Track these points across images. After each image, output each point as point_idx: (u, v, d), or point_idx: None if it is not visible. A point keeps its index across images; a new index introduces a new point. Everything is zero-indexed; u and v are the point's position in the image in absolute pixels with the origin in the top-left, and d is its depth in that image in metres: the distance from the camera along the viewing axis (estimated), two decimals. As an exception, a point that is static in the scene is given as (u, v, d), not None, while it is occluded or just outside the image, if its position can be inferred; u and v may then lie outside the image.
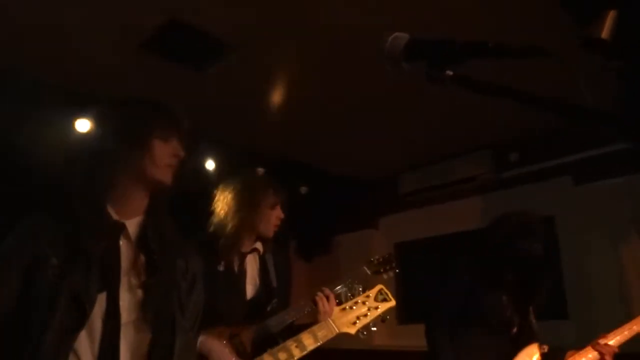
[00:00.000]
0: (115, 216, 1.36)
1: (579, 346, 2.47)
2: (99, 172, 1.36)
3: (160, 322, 1.32)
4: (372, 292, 1.88)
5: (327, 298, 2.17)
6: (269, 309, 2.27)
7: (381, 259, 2.54)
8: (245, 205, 2.30)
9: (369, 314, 1.83)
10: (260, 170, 4.04)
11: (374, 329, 1.84)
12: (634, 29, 2.08)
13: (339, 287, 2.32)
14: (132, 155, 1.36)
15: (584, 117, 0.69)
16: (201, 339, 1.97)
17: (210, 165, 4.21)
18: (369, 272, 2.52)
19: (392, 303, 1.88)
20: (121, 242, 1.35)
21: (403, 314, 4.64)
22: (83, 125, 3.40)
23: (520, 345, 2.42)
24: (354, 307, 1.85)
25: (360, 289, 1.88)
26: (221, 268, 2.23)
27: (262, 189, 2.36)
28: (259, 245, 2.39)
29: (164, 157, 1.39)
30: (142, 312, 1.30)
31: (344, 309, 1.84)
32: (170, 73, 3.24)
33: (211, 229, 2.32)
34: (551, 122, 3.74)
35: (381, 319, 1.87)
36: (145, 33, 2.86)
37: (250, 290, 2.32)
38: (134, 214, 1.41)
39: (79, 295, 1.22)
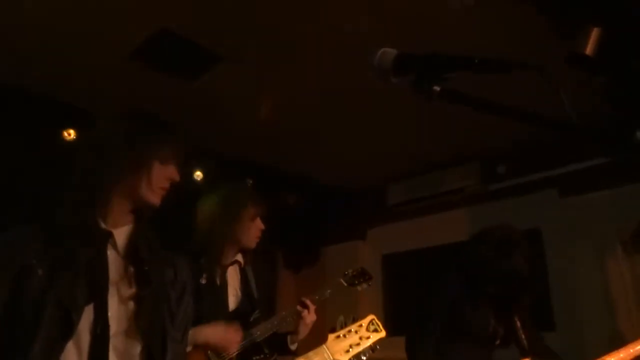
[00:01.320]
0: (102, 225, 1.35)
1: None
2: (91, 183, 1.34)
3: (151, 333, 1.30)
4: (365, 322, 1.95)
5: (309, 309, 2.41)
6: (251, 319, 2.31)
7: (355, 272, 2.68)
8: (226, 217, 2.30)
9: (360, 342, 1.89)
10: (249, 181, 4.05)
11: (364, 358, 1.90)
12: (617, 45, 2.12)
13: (317, 296, 2.53)
14: (129, 174, 1.35)
15: (567, 131, 0.70)
16: (190, 332, 1.96)
17: (198, 175, 4.19)
18: (345, 284, 2.67)
19: (383, 334, 1.94)
20: (109, 252, 1.33)
21: (390, 325, 4.63)
22: (70, 134, 3.37)
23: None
24: (347, 336, 1.90)
25: (354, 317, 1.96)
26: (203, 281, 2.23)
27: (243, 201, 2.37)
28: (239, 257, 2.41)
29: (159, 180, 1.38)
30: (133, 323, 1.28)
31: (338, 336, 1.89)
32: (160, 82, 3.24)
33: (194, 241, 2.32)
34: (538, 135, 3.79)
35: (371, 349, 1.93)
36: (135, 42, 2.86)
37: (232, 302, 2.34)
38: (122, 224, 1.39)
39: (65, 305, 1.20)
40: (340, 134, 4.09)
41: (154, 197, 1.38)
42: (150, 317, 1.31)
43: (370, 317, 1.97)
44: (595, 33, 1.93)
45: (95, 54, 2.95)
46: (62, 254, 1.25)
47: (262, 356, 2.32)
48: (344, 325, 1.94)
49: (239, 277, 2.42)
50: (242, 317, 2.29)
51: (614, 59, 2.12)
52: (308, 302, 2.43)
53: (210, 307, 2.19)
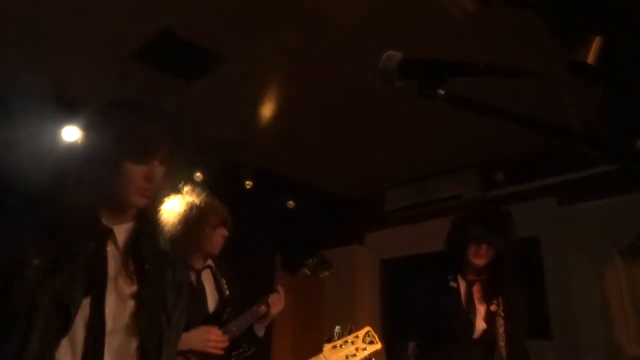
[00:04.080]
0: (103, 221, 1.31)
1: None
2: (88, 181, 1.28)
3: (148, 333, 1.27)
4: (361, 333, 1.95)
5: (278, 300, 2.57)
6: (225, 317, 2.41)
7: (317, 261, 2.88)
8: (188, 227, 2.35)
9: (357, 354, 1.89)
10: (199, 176, 4.08)
11: None
12: (617, 54, 2.13)
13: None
14: (103, 175, 1.27)
15: (568, 139, 0.70)
16: None
17: (198, 177, 4.20)
18: (308, 272, 2.87)
19: (379, 346, 1.94)
20: (108, 248, 1.29)
21: (387, 331, 4.63)
22: (71, 133, 3.38)
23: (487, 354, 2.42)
24: (344, 346, 1.90)
25: (351, 327, 1.96)
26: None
27: (204, 211, 2.42)
28: (210, 262, 2.51)
29: (134, 180, 1.28)
30: (131, 321, 1.25)
31: (335, 346, 1.89)
32: (160, 84, 3.24)
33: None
34: (537, 143, 3.80)
35: None
36: (136, 43, 2.86)
37: (211, 305, 2.43)
38: (123, 221, 1.35)
39: (62, 298, 1.15)
40: (339, 139, 4.10)
41: (136, 199, 1.30)
42: (149, 317, 1.28)
43: (367, 328, 1.96)
44: (597, 42, 1.94)
45: (96, 54, 2.95)
46: (61, 247, 1.20)
47: (240, 351, 2.45)
48: (341, 335, 1.94)
49: (213, 279, 2.51)
50: (219, 318, 2.38)
51: (614, 68, 2.13)
52: (277, 295, 2.58)
53: (191, 311, 2.23)
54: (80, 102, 3.25)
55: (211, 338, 2.24)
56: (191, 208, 2.40)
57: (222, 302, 2.47)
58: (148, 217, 1.38)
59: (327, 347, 1.89)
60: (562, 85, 0.75)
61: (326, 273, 2.90)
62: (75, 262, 1.19)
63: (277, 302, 2.55)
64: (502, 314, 2.42)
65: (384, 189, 5.06)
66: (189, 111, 3.50)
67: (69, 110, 3.31)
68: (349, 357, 1.87)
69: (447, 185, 4.60)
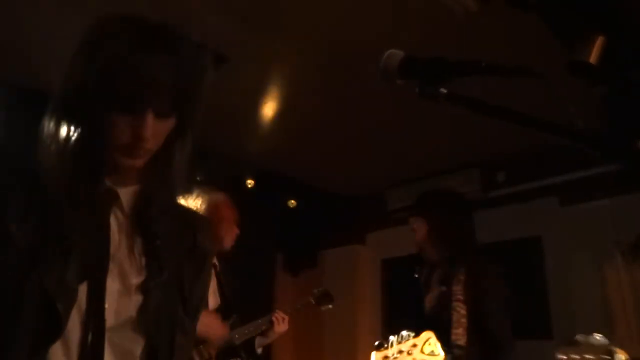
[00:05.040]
0: (107, 182, 0.99)
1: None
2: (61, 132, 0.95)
3: (158, 330, 1.01)
4: (420, 341, 1.59)
5: (283, 320, 2.61)
6: (230, 322, 2.46)
7: (321, 294, 3.02)
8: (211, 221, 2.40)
9: None
10: (250, 182, 4.11)
11: None
12: (618, 54, 2.13)
13: (289, 310, 2.76)
14: (80, 127, 0.93)
15: (569, 138, 0.70)
16: None
17: (199, 176, 4.19)
18: (313, 302, 2.96)
19: (441, 358, 1.58)
20: (111, 220, 0.99)
21: (388, 331, 4.63)
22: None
23: None
24: (398, 357, 1.57)
25: (412, 335, 1.63)
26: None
27: (224, 207, 2.49)
28: (215, 261, 2.52)
29: (118, 136, 0.92)
30: (136, 316, 0.98)
31: (386, 357, 1.58)
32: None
33: None
34: (538, 143, 3.80)
35: None
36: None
37: (211, 302, 2.44)
38: (128, 182, 1.03)
39: (50, 293, 0.88)
40: (341, 138, 4.10)
41: (122, 159, 0.95)
42: (158, 311, 1.01)
43: (428, 335, 1.60)
44: (599, 41, 1.93)
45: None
46: (52, 219, 0.92)
47: (238, 359, 2.47)
48: (400, 341, 1.60)
49: (216, 279, 2.52)
50: (222, 319, 2.42)
51: (614, 68, 2.13)
52: (282, 314, 2.63)
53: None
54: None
55: (220, 329, 2.31)
56: (211, 204, 2.45)
57: (227, 306, 2.50)
58: (157, 174, 1.03)
59: (377, 357, 1.58)
60: (562, 85, 0.75)
61: (329, 307, 3.02)
62: (69, 241, 0.91)
63: (281, 322, 2.62)
64: (461, 298, 2.23)
65: (385, 189, 5.06)
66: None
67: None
68: None
69: (448, 185, 4.59)
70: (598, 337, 1.37)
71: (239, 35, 2.81)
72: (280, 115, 3.71)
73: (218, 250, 2.47)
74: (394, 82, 0.79)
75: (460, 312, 2.18)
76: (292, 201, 5.06)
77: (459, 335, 2.12)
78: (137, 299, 0.99)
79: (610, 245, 3.71)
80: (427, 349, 1.58)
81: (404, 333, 1.60)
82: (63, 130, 0.93)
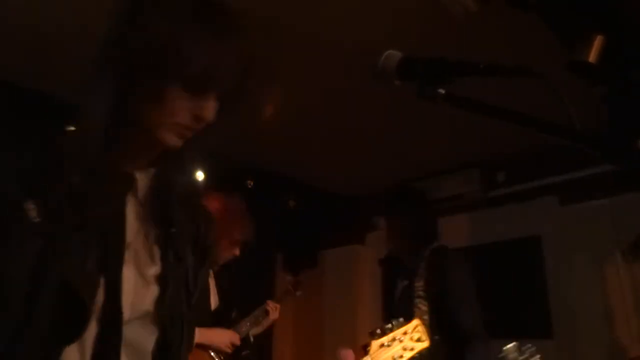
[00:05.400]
0: (122, 166, 0.93)
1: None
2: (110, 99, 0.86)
3: (172, 323, 0.95)
4: (410, 328, 1.66)
5: (275, 308, 2.78)
6: (233, 316, 2.59)
7: (295, 280, 3.28)
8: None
9: (404, 354, 1.61)
10: (250, 183, 4.13)
11: None
12: (618, 54, 2.13)
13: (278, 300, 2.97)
14: (137, 97, 0.86)
15: (569, 138, 0.70)
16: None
17: (199, 176, 4.19)
18: (291, 288, 3.23)
19: (426, 344, 1.66)
20: (127, 206, 0.93)
21: (388, 330, 4.63)
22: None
23: None
24: (391, 344, 1.63)
25: (401, 320, 1.69)
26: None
27: (233, 223, 2.49)
28: None
29: (179, 114, 0.87)
30: (152, 308, 0.91)
31: (382, 345, 1.62)
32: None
33: None
34: (538, 142, 3.79)
35: None
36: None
37: (213, 302, 2.48)
38: (145, 164, 0.96)
39: (73, 282, 0.79)
40: (341, 138, 4.09)
41: (169, 136, 0.89)
42: (173, 303, 0.95)
43: (415, 322, 1.67)
44: (598, 41, 1.93)
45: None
46: (67, 200, 0.81)
47: (250, 351, 2.61)
48: (393, 328, 1.65)
49: (214, 279, 2.55)
50: (223, 317, 2.49)
51: (615, 68, 2.13)
52: (273, 304, 2.81)
53: (198, 306, 2.29)
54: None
55: (233, 342, 2.40)
56: (225, 212, 2.42)
57: (228, 301, 2.56)
58: (179, 158, 0.97)
59: (374, 345, 1.62)
60: (562, 84, 0.75)
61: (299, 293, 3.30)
62: (85, 227, 0.83)
63: (274, 310, 2.77)
64: (422, 294, 2.23)
65: (385, 189, 5.06)
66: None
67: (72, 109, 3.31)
68: (396, 359, 1.60)
69: (448, 185, 4.60)
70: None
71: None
72: (280, 115, 3.70)
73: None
74: (391, 83, 0.78)
75: (421, 308, 2.17)
76: (292, 201, 5.06)
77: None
78: (153, 290, 0.92)
79: (610, 244, 3.71)
80: (415, 336, 1.65)
81: (396, 321, 1.65)
82: (110, 89, 0.85)
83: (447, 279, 2.21)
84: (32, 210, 0.79)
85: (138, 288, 0.90)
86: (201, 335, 2.16)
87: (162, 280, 0.93)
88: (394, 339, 1.62)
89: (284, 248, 5.57)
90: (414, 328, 1.65)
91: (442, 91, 0.73)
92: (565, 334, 3.78)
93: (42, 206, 0.79)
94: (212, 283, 2.52)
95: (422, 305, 2.16)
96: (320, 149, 4.32)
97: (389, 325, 1.63)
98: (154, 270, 0.93)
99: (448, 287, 2.19)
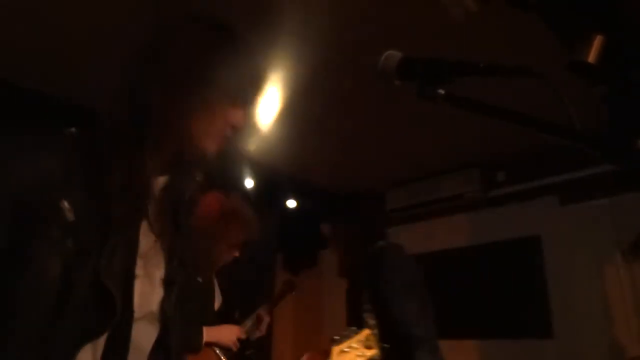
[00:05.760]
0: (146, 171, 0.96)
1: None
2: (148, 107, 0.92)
3: (175, 322, 1.00)
4: (362, 336, 1.78)
5: (267, 316, 2.75)
6: (236, 316, 2.61)
7: (290, 281, 3.24)
8: (210, 230, 2.40)
9: None
10: (250, 183, 4.14)
11: None
12: (618, 54, 2.12)
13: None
14: (186, 108, 0.94)
15: (569, 138, 0.70)
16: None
17: (198, 177, 4.20)
18: (287, 290, 3.13)
19: (374, 351, 1.77)
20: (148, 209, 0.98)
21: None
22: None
23: None
24: (348, 350, 1.74)
25: (354, 328, 1.81)
26: (200, 279, 2.35)
27: (233, 226, 2.45)
28: None
29: (222, 125, 0.98)
30: (156, 309, 0.97)
31: (342, 350, 1.74)
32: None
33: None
34: (538, 142, 3.80)
35: None
36: (138, 42, 2.86)
37: (216, 302, 2.50)
38: (161, 171, 1.00)
39: (106, 282, 0.82)
40: (341, 138, 4.09)
41: (211, 144, 0.98)
42: (176, 306, 1.01)
43: (366, 332, 1.79)
44: (598, 41, 1.93)
45: (97, 54, 2.95)
46: (96, 201, 0.84)
47: (253, 350, 2.65)
48: (348, 337, 1.76)
49: (216, 279, 2.56)
50: (226, 317, 2.49)
51: (615, 68, 2.13)
52: (264, 313, 2.76)
53: (203, 306, 2.30)
54: (85, 101, 3.25)
55: (238, 336, 2.41)
56: (223, 214, 2.39)
57: (228, 301, 2.57)
58: (186, 165, 1.03)
59: (335, 350, 1.72)
60: (562, 85, 0.75)
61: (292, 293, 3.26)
62: (110, 228, 0.85)
63: (265, 316, 2.76)
64: (368, 307, 2.03)
65: (385, 189, 5.06)
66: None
67: (80, 116, 3.31)
68: None
69: (448, 185, 4.60)
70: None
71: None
72: (280, 115, 3.70)
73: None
74: (391, 83, 0.79)
75: (369, 322, 2.01)
76: (292, 201, 5.06)
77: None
78: (159, 292, 0.97)
79: (610, 244, 3.71)
80: (366, 344, 1.75)
81: (353, 328, 1.76)
82: (148, 100, 0.92)
83: (388, 290, 2.05)
84: (67, 210, 0.81)
85: (145, 289, 0.94)
86: (207, 333, 2.19)
87: (167, 283, 0.98)
88: (351, 346, 1.73)
89: (284, 248, 5.57)
90: (366, 337, 1.75)
91: (442, 91, 0.73)
92: (565, 334, 3.78)
93: (76, 206, 0.82)
94: (216, 282, 2.53)
95: (370, 319, 2.00)
96: (320, 149, 4.32)
97: (346, 333, 1.74)
98: (160, 273, 0.98)
99: (386, 295, 2.04)
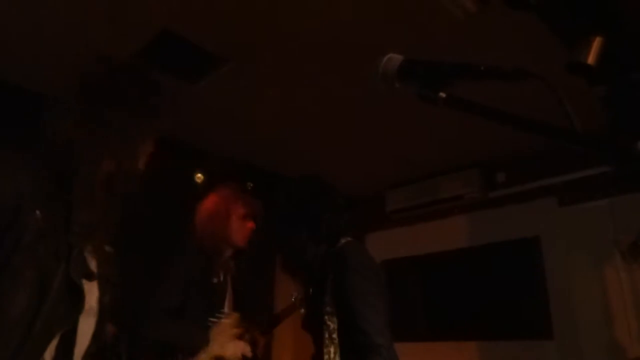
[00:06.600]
0: None
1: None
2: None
3: (106, 314, 1.18)
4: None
5: (262, 338, 2.69)
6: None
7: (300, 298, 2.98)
8: (217, 219, 2.44)
9: None
10: (249, 184, 4.11)
11: None
12: (618, 55, 2.13)
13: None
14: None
15: (569, 140, 0.70)
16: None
17: (199, 177, 4.19)
18: (297, 305, 3.01)
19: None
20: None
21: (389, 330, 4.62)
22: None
23: None
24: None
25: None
26: (215, 279, 2.36)
27: (232, 202, 2.50)
28: (233, 266, 2.60)
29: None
30: (95, 304, 1.15)
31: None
32: (162, 85, 3.23)
33: (195, 239, 2.45)
34: (538, 143, 3.80)
35: None
36: (136, 44, 2.86)
37: (227, 308, 2.50)
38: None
39: (75, 278, 1.03)
40: (340, 139, 4.09)
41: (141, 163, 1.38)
42: (109, 297, 1.22)
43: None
44: (597, 42, 1.93)
45: (97, 54, 2.94)
46: (62, 209, 1.05)
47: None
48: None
49: (230, 282, 2.57)
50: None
51: (615, 69, 2.13)
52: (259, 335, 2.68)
53: (215, 307, 2.31)
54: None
55: (245, 353, 2.38)
56: (219, 201, 2.48)
57: (244, 309, 2.57)
58: (126, 180, 1.25)
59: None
60: (562, 86, 0.75)
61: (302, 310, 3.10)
62: (74, 230, 1.06)
63: (260, 338, 2.71)
64: (330, 310, 1.92)
65: (385, 190, 5.06)
66: (191, 111, 3.50)
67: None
68: None
69: (448, 185, 4.60)
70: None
71: (239, 35, 2.80)
72: (280, 115, 3.70)
73: (233, 246, 2.50)
74: (392, 86, 0.79)
75: (330, 326, 1.86)
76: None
77: (331, 354, 1.83)
78: (95, 291, 1.14)
79: (610, 245, 3.71)
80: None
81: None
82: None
83: (350, 292, 1.84)
84: (39, 218, 0.98)
85: (87, 288, 1.10)
86: (215, 342, 2.19)
87: (100, 276, 1.16)
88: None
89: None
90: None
91: (442, 94, 0.73)
92: (565, 334, 3.78)
93: (46, 214, 0.99)
94: (229, 286, 2.54)
95: (331, 323, 1.86)
96: (320, 149, 4.32)
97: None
98: (98, 267, 1.16)
99: (350, 303, 1.83)
